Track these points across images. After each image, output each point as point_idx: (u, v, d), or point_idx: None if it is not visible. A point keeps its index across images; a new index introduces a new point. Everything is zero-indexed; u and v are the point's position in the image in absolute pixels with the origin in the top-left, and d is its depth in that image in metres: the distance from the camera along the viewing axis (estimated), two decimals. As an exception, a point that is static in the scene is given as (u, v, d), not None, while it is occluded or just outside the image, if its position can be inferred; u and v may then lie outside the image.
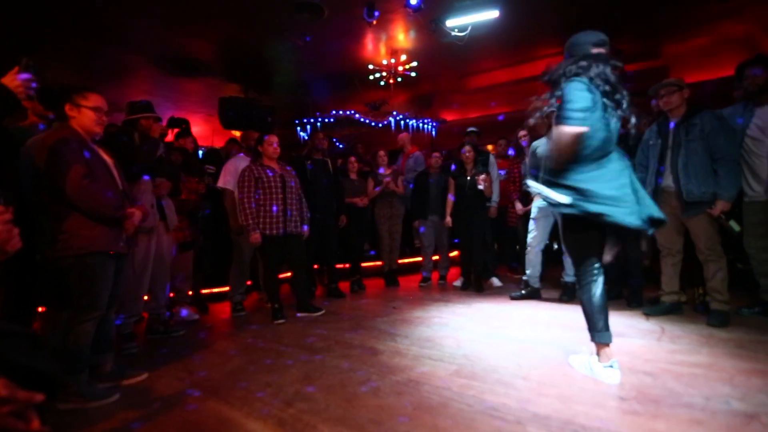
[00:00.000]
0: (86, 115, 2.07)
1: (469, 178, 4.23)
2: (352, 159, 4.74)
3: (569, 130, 1.75)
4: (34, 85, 1.63)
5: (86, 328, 2.01)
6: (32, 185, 2.00)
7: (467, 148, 4.32)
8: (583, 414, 1.64)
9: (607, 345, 1.96)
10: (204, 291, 4.27)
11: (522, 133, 4.50)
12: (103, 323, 2.14)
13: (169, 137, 4.17)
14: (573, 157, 1.82)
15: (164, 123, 3.95)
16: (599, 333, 1.96)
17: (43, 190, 1.98)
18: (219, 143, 7.39)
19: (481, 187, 4.13)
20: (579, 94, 1.77)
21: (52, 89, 2.34)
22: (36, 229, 2.00)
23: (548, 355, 2.33)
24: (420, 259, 5.03)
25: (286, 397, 1.94)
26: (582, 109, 1.74)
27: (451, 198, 4.41)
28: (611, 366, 1.93)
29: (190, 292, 3.78)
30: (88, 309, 2.00)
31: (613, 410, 1.66)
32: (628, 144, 3.25)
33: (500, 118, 7.60)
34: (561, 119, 1.77)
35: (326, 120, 7.19)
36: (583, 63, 1.85)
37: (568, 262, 3.71)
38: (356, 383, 2.06)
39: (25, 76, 1.58)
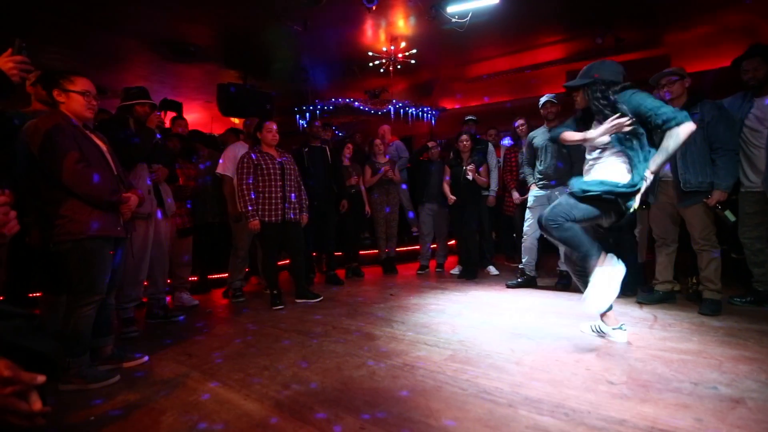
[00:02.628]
0: (75, 99, 2.06)
1: (463, 167, 4.25)
2: (349, 145, 4.73)
3: (691, 126, 1.98)
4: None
5: (86, 312, 2.04)
6: (26, 170, 2.00)
7: (464, 137, 4.32)
8: (574, 397, 1.68)
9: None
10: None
11: (520, 122, 4.49)
12: (102, 307, 2.16)
13: (163, 119, 4.18)
14: None
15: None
16: (597, 247, 2.15)
17: (39, 175, 1.99)
18: (218, 130, 7.35)
19: (469, 177, 4.15)
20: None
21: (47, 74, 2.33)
22: (26, 211, 2.01)
23: (542, 341, 2.37)
24: (418, 247, 5.06)
25: (283, 380, 1.98)
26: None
27: (446, 178, 4.43)
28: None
29: (190, 278, 3.82)
30: (87, 293, 2.03)
31: (603, 394, 1.69)
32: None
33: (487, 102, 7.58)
34: (672, 121, 1.98)
35: (326, 107, 7.14)
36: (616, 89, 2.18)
37: (563, 249, 3.74)
38: (352, 367, 2.10)
39: (18, 58, 1.57)
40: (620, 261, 2.10)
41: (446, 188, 4.40)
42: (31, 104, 2.47)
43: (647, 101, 2.04)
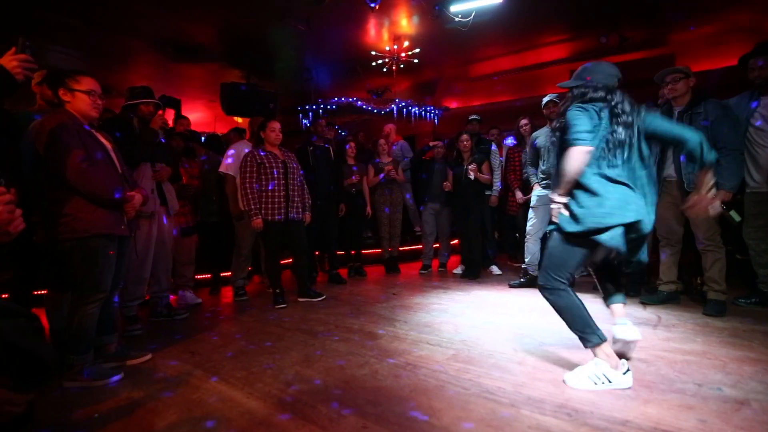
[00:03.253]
0: (80, 99, 2.07)
1: (465, 167, 4.24)
2: (351, 144, 4.72)
3: (580, 150, 1.72)
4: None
5: (90, 309, 2.05)
6: (32, 168, 2.01)
7: (465, 137, 4.32)
8: (576, 398, 1.67)
9: (605, 342, 1.79)
10: (207, 276, 4.32)
11: (523, 122, 4.48)
12: (106, 305, 2.17)
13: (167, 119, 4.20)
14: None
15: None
16: (598, 332, 1.79)
17: (44, 174, 2.00)
18: (221, 130, 7.37)
19: (471, 176, 4.14)
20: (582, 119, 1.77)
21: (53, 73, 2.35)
22: (32, 210, 2.02)
23: (544, 341, 2.36)
24: (420, 246, 5.06)
25: (286, 379, 1.98)
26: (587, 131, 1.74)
27: (445, 187, 4.42)
28: (628, 370, 1.77)
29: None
30: (91, 291, 2.04)
31: (606, 395, 1.69)
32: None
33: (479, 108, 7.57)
34: (571, 141, 1.75)
35: (329, 107, 7.15)
36: (602, 93, 1.85)
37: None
38: (355, 366, 2.11)
39: (22, 56, 1.58)
40: (629, 372, 1.77)
41: (446, 186, 4.40)
42: (36, 103, 2.48)
43: (572, 114, 1.80)
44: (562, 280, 1.82)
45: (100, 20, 4.65)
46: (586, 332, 1.79)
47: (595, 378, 1.74)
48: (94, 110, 2.12)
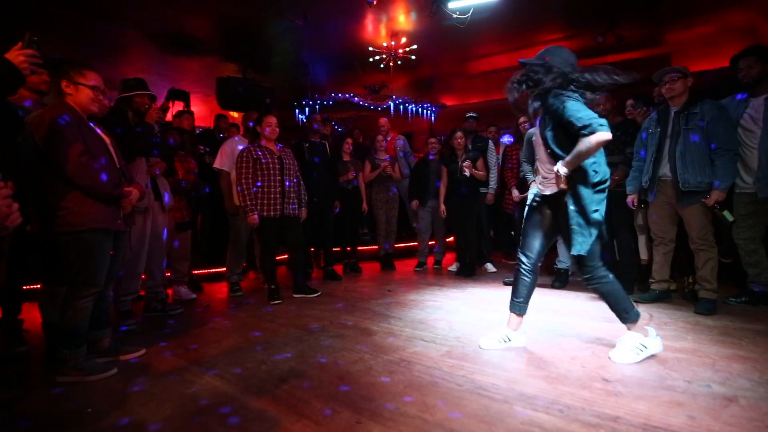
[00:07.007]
0: (83, 92, 2.06)
1: (459, 164, 4.25)
2: (348, 140, 4.70)
3: (604, 135, 1.84)
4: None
5: (84, 304, 2.04)
6: (30, 160, 2.00)
7: (458, 134, 4.32)
8: (569, 394, 1.69)
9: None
10: (202, 271, 4.31)
11: (522, 119, 4.48)
12: (100, 300, 2.16)
13: (172, 110, 4.16)
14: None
15: (162, 98, 3.92)
16: (635, 311, 2.07)
17: (41, 166, 1.98)
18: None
19: (466, 173, 4.15)
20: (582, 107, 1.90)
21: (50, 62, 2.33)
22: (27, 201, 2.00)
23: (537, 338, 2.38)
24: (416, 243, 5.06)
25: (280, 374, 1.99)
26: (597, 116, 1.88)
27: (437, 185, 4.42)
28: (657, 335, 2.07)
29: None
30: (86, 285, 2.03)
31: (597, 391, 1.71)
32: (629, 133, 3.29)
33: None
34: (587, 128, 1.84)
35: (325, 102, 7.12)
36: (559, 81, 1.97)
37: (562, 248, 3.76)
38: (349, 362, 2.11)
39: (28, 51, 1.57)
40: (657, 336, 2.06)
41: (440, 193, 4.39)
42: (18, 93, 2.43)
43: (567, 106, 1.90)
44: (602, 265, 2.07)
45: (96, 11, 4.59)
46: (630, 308, 2.05)
47: (636, 349, 1.98)
48: (95, 105, 2.11)
